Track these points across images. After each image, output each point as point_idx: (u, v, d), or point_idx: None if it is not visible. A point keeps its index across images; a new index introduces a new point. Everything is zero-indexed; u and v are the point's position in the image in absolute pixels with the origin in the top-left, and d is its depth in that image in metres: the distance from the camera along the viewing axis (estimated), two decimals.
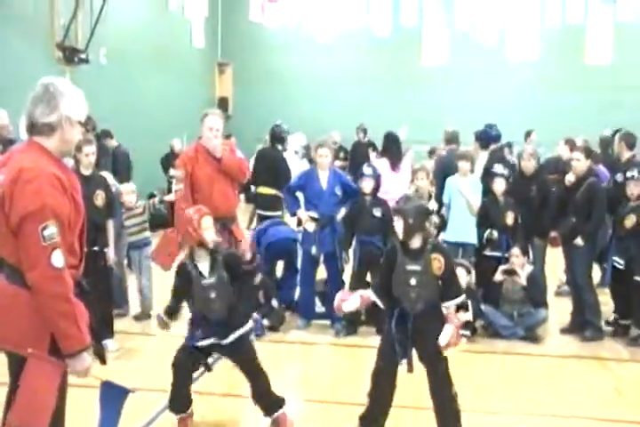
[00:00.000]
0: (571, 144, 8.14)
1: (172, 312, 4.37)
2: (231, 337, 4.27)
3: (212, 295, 4.20)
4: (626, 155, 7.23)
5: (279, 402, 4.36)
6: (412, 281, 3.93)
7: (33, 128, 2.74)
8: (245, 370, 4.34)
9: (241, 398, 4.87)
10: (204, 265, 4.24)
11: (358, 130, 12.65)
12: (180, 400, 4.34)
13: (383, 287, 4.06)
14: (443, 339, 3.87)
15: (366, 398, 4.10)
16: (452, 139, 7.88)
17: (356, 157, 11.43)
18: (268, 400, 4.34)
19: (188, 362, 4.32)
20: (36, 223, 2.57)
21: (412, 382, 4.11)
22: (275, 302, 6.49)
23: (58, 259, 2.60)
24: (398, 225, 3.96)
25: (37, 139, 2.73)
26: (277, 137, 8.35)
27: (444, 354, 3.98)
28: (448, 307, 4.02)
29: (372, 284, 4.30)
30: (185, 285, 4.24)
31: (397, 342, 3.94)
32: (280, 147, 8.43)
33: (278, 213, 7.64)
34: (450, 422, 4.02)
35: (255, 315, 6.22)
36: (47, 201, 2.59)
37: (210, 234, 4.22)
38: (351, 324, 6.36)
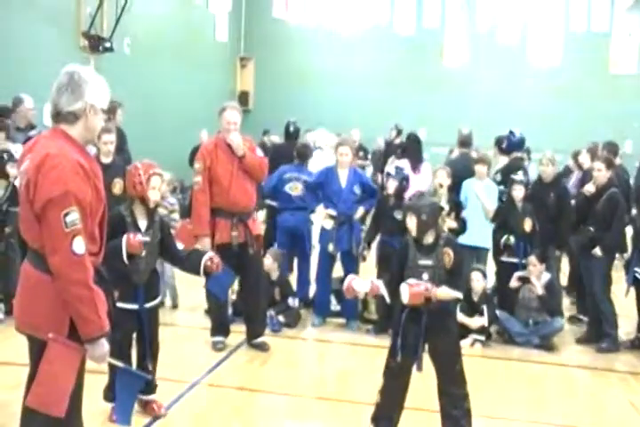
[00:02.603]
0: (592, 153, 8.11)
1: None
2: (151, 303, 4.22)
3: (142, 253, 4.09)
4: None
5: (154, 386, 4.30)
6: (425, 276, 3.92)
7: (58, 116, 2.76)
8: (149, 340, 4.25)
9: (255, 392, 4.90)
10: (141, 222, 4.18)
11: (392, 129, 12.47)
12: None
13: (393, 283, 4.03)
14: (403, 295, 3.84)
15: (377, 395, 4.08)
16: (466, 141, 7.82)
17: (387, 156, 11.23)
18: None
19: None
20: (59, 209, 2.59)
21: (417, 382, 4.10)
22: (291, 300, 6.49)
23: (79, 245, 2.61)
24: (411, 222, 3.96)
25: (62, 126, 2.75)
26: (291, 133, 8.36)
27: (459, 352, 4.00)
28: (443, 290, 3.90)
29: (383, 278, 4.24)
30: (114, 235, 3.96)
31: (408, 341, 3.93)
32: (293, 142, 8.42)
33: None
34: (461, 421, 3.99)
35: (271, 311, 6.26)
36: (70, 187, 2.60)
37: (155, 194, 4.17)
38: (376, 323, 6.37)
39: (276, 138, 12.96)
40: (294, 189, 7.05)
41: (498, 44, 16.62)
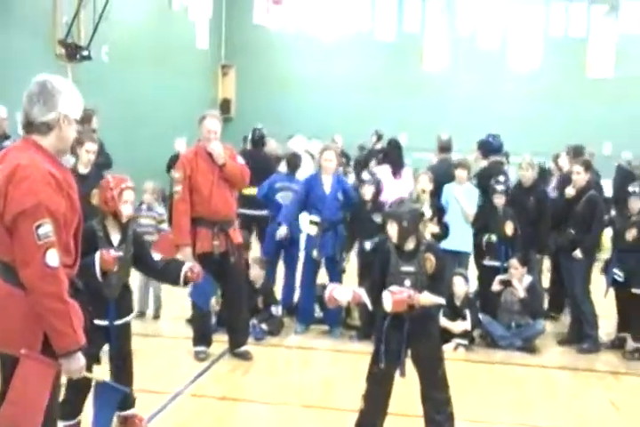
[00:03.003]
0: (570, 156, 8.17)
1: None
2: (123, 320, 4.17)
3: (115, 268, 4.04)
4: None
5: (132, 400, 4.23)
6: (407, 282, 3.91)
7: (30, 126, 2.70)
8: (120, 356, 4.20)
9: (239, 401, 4.88)
10: (114, 237, 4.12)
11: (372, 135, 12.47)
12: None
13: (374, 290, 4.01)
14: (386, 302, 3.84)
15: (361, 401, 4.07)
16: (445, 146, 7.85)
17: (368, 162, 11.18)
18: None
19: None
20: (31, 221, 2.53)
21: (400, 388, 4.10)
22: (274, 308, 6.47)
23: (52, 258, 2.56)
24: (392, 229, 3.95)
25: (34, 137, 2.70)
26: (256, 140, 8.31)
27: (442, 356, 4.01)
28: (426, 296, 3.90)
29: (364, 285, 4.21)
30: (86, 250, 3.80)
31: (391, 347, 3.92)
32: (260, 149, 8.40)
33: (264, 212, 7.62)
34: (444, 425, 4.00)
35: (254, 320, 6.24)
36: (42, 199, 2.55)
37: (127, 208, 4.12)
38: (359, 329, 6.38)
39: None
40: (285, 197, 7.04)
41: (478, 48, 16.70)
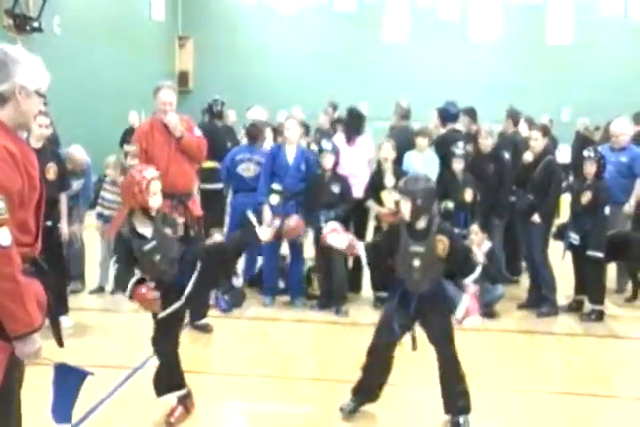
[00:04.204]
0: (529, 123, 8.21)
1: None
2: (187, 290, 3.99)
3: (157, 258, 3.90)
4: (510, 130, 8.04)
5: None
6: (416, 262, 3.87)
7: None
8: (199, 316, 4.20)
9: (199, 373, 4.86)
10: (146, 230, 3.92)
11: (328, 106, 12.42)
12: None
13: (378, 253, 4.02)
14: (460, 309, 3.90)
15: (360, 371, 4.11)
16: (405, 115, 7.82)
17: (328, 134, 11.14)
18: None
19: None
20: None
21: (420, 358, 4.15)
22: (235, 280, 6.44)
23: (4, 236, 2.44)
24: (405, 206, 3.86)
25: None
26: (213, 111, 8.15)
27: (451, 335, 3.99)
28: (467, 284, 4.01)
29: (367, 243, 4.21)
30: (128, 254, 3.91)
31: (396, 322, 3.93)
32: (218, 121, 8.24)
33: (220, 185, 7.54)
34: (458, 401, 4.02)
35: (216, 292, 6.21)
36: None
37: (156, 200, 3.90)
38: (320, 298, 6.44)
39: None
40: (247, 170, 6.94)
41: (438, 18, 16.67)
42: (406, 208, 3.86)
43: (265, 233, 4.17)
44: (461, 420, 4.02)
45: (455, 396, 4.03)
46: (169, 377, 4.08)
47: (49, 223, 5.49)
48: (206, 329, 5.68)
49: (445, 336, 3.99)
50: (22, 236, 2.58)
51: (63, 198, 5.85)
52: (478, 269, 4.04)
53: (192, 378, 4.74)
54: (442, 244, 3.87)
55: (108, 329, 5.80)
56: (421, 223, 3.91)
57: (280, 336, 5.96)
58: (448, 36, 16.60)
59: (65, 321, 5.62)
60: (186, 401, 4.17)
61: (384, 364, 4.08)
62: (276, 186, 6.39)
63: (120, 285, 4.01)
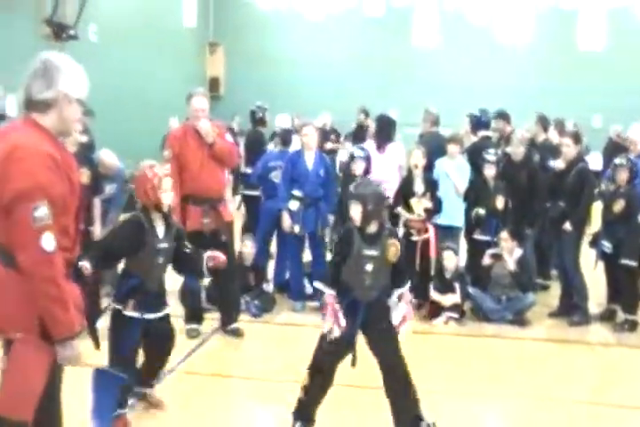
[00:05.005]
0: (559, 128, 8.17)
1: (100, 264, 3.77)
2: (162, 312, 4.08)
3: (160, 260, 3.96)
4: (541, 137, 7.85)
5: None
6: (369, 267, 3.81)
7: (29, 104, 2.63)
8: (165, 349, 4.18)
9: (230, 378, 4.91)
10: (159, 229, 3.98)
11: (360, 112, 12.46)
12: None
13: (335, 271, 3.91)
14: (396, 316, 3.84)
15: (301, 391, 3.94)
16: (436, 121, 7.84)
17: (357, 139, 11.17)
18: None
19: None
20: (27, 204, 2.47)
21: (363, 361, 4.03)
22: (265, 285, 6.48)
23: (48, 242, 2.50)
24: (356, 210, 3.81)
25: (34, 115, 2.63)
26: (255, 118, 8.24)
27: (400, 341, 3.89)
28: (401, 293, 3.95)
29: (323, 274, 4.14)
30: (133, 243, 3.89)
31: (343, 334, 3.77)
32: (261, 127, 8.32)
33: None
34: (411, 411, 3.89)
35: (246, 297, 6.26)
36: (39, 181, 2.49)
37: (168, 197, 3.96)
38: None
39: (236, 121, 12.95)
40: (279, 177, 7.00)
41: (467, 23, 16.59)
42: (357, 212, 3.81)
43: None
44: (424, 425, 3.89)
45: (408, 405, 3.89)
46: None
47: (81, 226, 5.58)
48: (237, 333, 5.72)
49: (393, 345, 3.89)
50: (62, 240, 2.63)
51: (96, 202, 5.95)
52: (408, 284, 4.00)
53: (222, 382, 4.82)
54: (394, 247, 3.85)
55: None
56: (372, 228, 3.86)
57: (310, 342, 5.96)
58: (478, 40, 16.51)
59: (99, 323, 5.69)
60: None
61: (325, 382, 3.92)
62: (296, 192, 6.43)
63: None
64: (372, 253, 3.83)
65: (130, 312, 3.90)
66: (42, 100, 2.60)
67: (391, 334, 3.90)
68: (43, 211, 2.49)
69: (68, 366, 2.69)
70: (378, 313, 3.90)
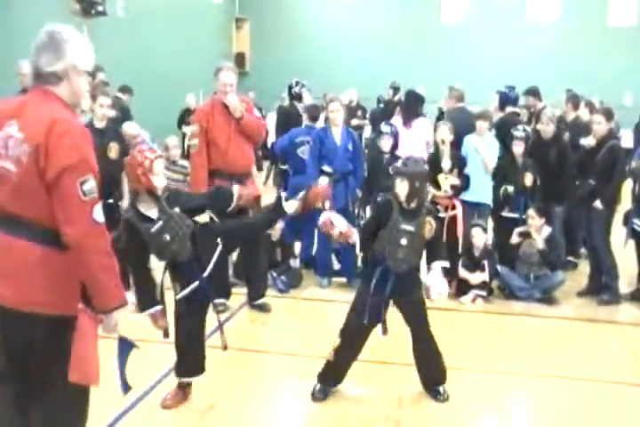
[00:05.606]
0: (590, 107, 8.02)
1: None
2: (208, 269, 3.98)
3: (166, 238, 3.79)
4: (571, 115, 7.65)
5: None
6: (403, 241, 3.90)
7: (39, 77, 2.62)
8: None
9: (258, 352, 4.94)
10: (151, 212, 3.81)
11: (389, 88, 12.41)
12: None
13: (365, 234, 4.09)
14: (433, 289, 4.01)
15: (331, 353, 4.13)
16: (461, 97, 7.76)
17: (386, 114, 11.12)
18: None
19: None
20: (76, 177, 2.47)
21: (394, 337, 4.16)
22: (292, 261, 6.50)
23: (99, 214, 2.53)
24: (402, 187, 3.90)
25: (50, 88, 2.61)
26: (292, 93, 8.24)
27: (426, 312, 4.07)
28: (435, 267, 4.08)
29: (362, 226, 4.31)
30: (138, 241, 3.82)
31: (374, 302, 3.95)
32: (297, 102, 8.31)
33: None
34: (437, 375, 4.14)
35: (273, 273, 6.28)
36: (84, 154, 2.50)
37: (160, 180, 3.80)
38: None
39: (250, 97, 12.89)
40: (307, 152, 6.98)
41: (496, 0, 16.35)
42: (403, 189, 3.90)
43: (291, 205, 4.20)
44: (441, 389, 4.16)
45: (433, 372, 4.13)
46: (191, 359, 4.07)
47: (111, 201, 5.62)
48: (264, 309, 5.77)
49: (420, 316, 4.05)
50: None
51: (125, 177, 5.96)
52: (446, 263, 4.21)
53: (250, 357, 4.85)
54: (429, 225, 3.95)
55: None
56: (413, 204, 3.95)
57: (336, 317, 5.99)
58: (506, 17, 16.28)
59: (129, 297, 5.75)
60: (186, 389, 4.16)
61: (356, 347, 4.11)
62: (326, 168, 6.39)
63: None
64: (409, 228, 3.91)
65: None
66: (52, 72, 2.60)
67: (420, 305, 4.06)
68: (91, 184, 2.52)
69: (109, 334, 2.73)
70: (407, 284, 4.00)
